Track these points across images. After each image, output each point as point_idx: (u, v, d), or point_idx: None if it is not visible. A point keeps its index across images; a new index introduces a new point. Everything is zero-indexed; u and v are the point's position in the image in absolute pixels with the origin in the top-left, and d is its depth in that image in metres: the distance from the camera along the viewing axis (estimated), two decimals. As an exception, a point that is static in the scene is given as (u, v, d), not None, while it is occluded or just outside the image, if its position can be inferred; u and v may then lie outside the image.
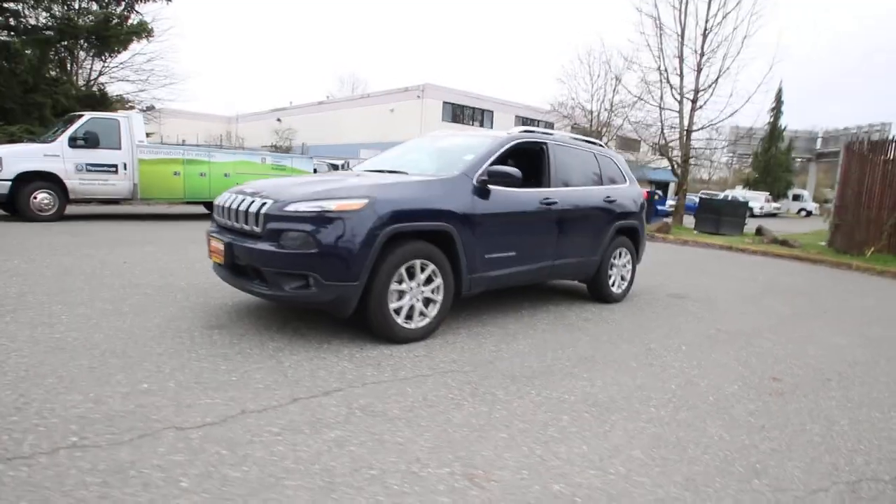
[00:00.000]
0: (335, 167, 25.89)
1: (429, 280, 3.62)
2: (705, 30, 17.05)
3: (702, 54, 17.21)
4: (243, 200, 3.48)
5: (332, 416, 2.44)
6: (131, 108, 15.95)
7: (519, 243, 4.22)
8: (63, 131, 8.85)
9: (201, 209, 12.22)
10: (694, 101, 17.59)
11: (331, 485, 1.92)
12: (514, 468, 2.13)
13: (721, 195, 32.53)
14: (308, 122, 34.79)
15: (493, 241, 3.98)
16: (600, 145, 5.62)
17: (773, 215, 36.84)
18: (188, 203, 10.88)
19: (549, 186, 4.59)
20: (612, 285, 5.34)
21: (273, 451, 2.11)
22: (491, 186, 3.96)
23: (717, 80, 17.04)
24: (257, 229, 3.32)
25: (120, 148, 9.27)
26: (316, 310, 3.93)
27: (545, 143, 4.67)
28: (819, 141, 51.91)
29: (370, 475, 2.00)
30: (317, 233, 3.17)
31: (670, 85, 17.86)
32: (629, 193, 5.49)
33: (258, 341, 3.36)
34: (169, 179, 9.97)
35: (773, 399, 3.10)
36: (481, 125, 32.40)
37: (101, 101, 14.82)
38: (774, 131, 43.63)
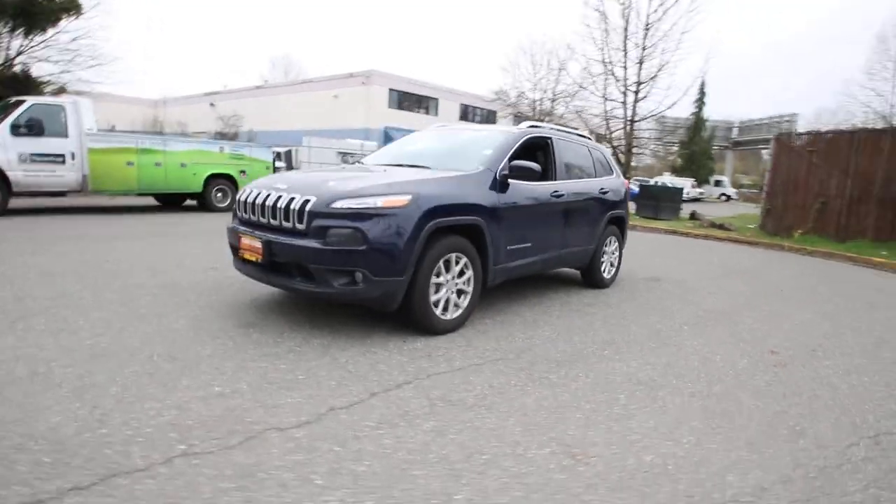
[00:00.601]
0: (278, 155, 25.03)
1: (461, 273, 3.74)
2: (647, 24, 17.95)
3: (643, 48, 18.13)
4: (279, 197, 3.43)
5: (417, 408, 2.53)
6: (61, 91, 14.63)
7: (534, 235, 4.41)
8: (2, 119, 8.07)
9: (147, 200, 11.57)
10: (636, 93, 18.54)
11: (454, 472, 2.03)
12: (603, 444, 2.32)
13: (651, 181, 34.50)
14: (245, 107, 33.26)
15: (514, 234, 4.15)
16: (588, 138, 5.90)
17: (697, 200, 39.49)
18: (140, 195, 10.26)
19: (554, 180, 4.81)
20: (604, 271, 5.68)
21: (382, 444, 2.19)
22: (510, 180, 4.12)
23: (657, 73, 18.03)
24: (301, 226, 3.30)
25: (67, 136, 8.59)
26: (354, 305, 3.94)
27: (550, 138, 4.88)
28: (735, 130, 56.05)
29: (484, 460, 2.12)
30: (365, 229, 3.20)
31: (614, 77, 18.71)
32: (617, 184, 5.83)
33: (301, 338, 3.36)
34: (122, 170, 9.35)
35: (780, 370, 3.49)
36: (427, 113, 32.36)
37: (26, 84, 13.51)
38: (698, 121, 46.49)
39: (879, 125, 35.64)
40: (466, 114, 34.37)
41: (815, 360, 3.75)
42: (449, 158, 4.27)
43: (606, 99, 19.37)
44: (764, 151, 46.71)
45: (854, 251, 10.38)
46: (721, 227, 14.77)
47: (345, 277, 3.25)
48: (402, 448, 2.17)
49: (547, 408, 2.65)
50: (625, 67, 18.32)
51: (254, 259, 3.49)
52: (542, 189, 4.51)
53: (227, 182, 11.19)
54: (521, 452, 2.21)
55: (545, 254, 4.63)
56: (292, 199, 3.36)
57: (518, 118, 31.77)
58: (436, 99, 32.30)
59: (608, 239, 5.67)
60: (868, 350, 4.10)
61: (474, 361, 3.21)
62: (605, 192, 5.48)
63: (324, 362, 3.01)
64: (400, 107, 30.60)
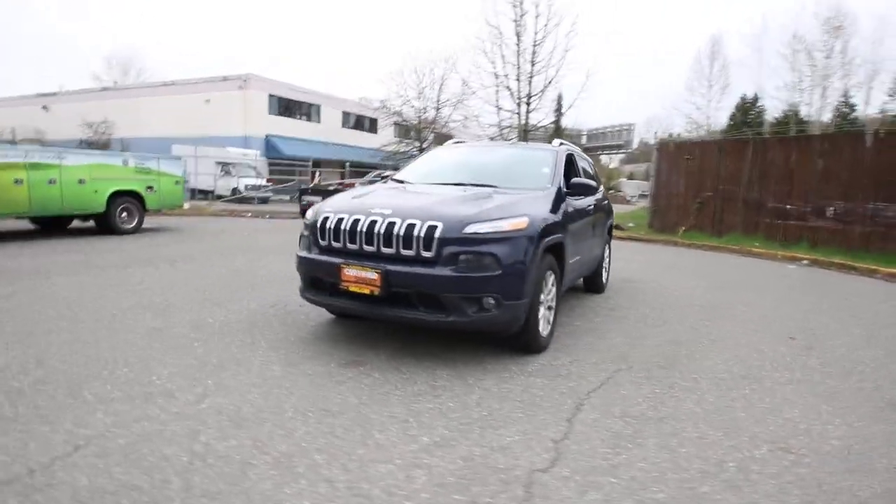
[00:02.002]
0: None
1: (549, 290, 3.82)
2: (534, 42, 19.40)
3: (532, 63, 19.56)
4: (391, 223, 3.20)
5: (621, 429, 2.59)
6: None
7: (580, 247, 4.63)
8: None
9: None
10: (528, 105, 19.92)
11: (732, 482, 2.14)
12: (789, 436, 2.60)
13: None
14: (88, 111, 28.84)
15: (573, 247, 4.33)
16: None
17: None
18: (34, 219, 8.50)
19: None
20: (603, 277, 6.11)
21: (644, 469, 2.22)
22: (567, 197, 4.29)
23: (545, 87, 19.56)
24: (428, 254, 3.13)
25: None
26: (473, 333, 3.82)
27: (573, 153, 5.14)
28: (584, 138, 62.75)
29: (735, 466, 2.27)
30: (497, 253, 3.15)
31: (508, 89, 19.91)
32: (604, 194, 6.31)
33: (425, 372, 3.18)
34: (9, 189, 7.67)
35: (814, 352, 4.12)
36: (309, 120, 31.07)
37: None
38: (558, 129, 51.03)
39: (699, 133, 42.50)
40: (349, 121, 33.71)
41: (828, 342, 4.43)
42: (507, 177, 4.30)
43: (500, 108, 20.53)
44: (603, 157, 52.79)
45: (734, 244, 12.32)
46: (618, 227, 16.49)
47: (476, 304, 3.15)
48: (669, 461, 2.23)
49: (715, 411, 2.87)
50: (518, 80, 19.56)
51: (366, 292, 3.20)
52: (583, 203, 4.76)
53: (132, 200, 9.75)
54: (750, 454, 2.39)
55: (583, 265, 4.88)
56: (411, 225, 3.16)
57: (399, 127, 32.07)
58: (318, 105, 31.15)
59: (606, 246, 6.12)
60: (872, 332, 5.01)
61: (602, 377, 3.31)
62: (605, 202, 5.91)
63: (487, 396, 2.92)
64: (281, 113, 28.96)
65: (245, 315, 4.31)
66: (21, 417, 2.41)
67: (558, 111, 51.45)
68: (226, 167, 23.33)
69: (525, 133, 20.35)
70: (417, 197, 3.72)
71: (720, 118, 50.86)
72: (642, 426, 2.62)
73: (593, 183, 4.29)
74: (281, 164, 25.40)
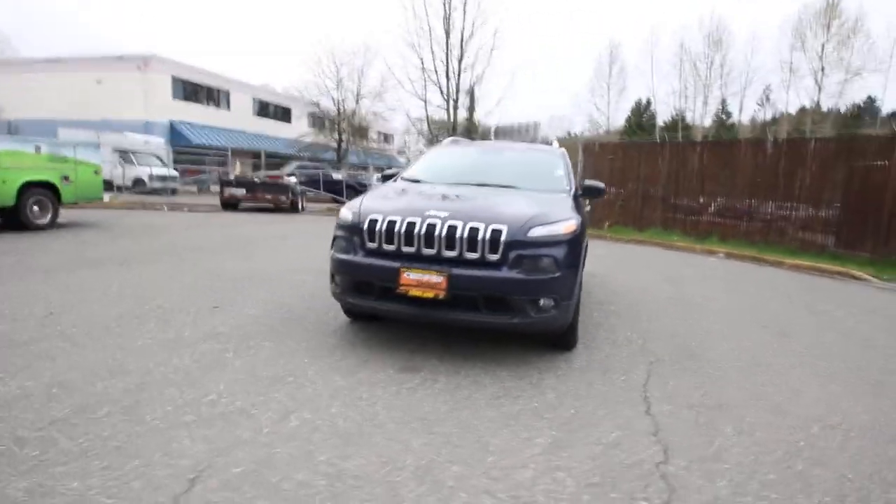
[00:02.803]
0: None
1: (577, 289, 3.99)
2: (461, 40, 19.68)
3: (460, 60, 19.83)
4: (452, 226, 3.17)
5: (695, 417, 2.81)
6: None
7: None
8: None
9: None
10: (457, 101, 20.18)
11: (816, 454, 2.43)
12: (826, 414, 2.97)
13: None
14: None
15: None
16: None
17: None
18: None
19: (577, 194, 5.32)
20: (579, 272, 6.43)
21: (744, 446, 2.44)
22: (576, 198, 4.49)
23: (475, 84, 19.92)
24: (493, 257, 3.14)
25: None
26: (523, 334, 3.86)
27: (564, 153, 5.34)
28: (492, 133, 64.83)
29: (805, 437, 2.57)
30: (557, 255, 3.24)
31: (436, 84, 20.03)
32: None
33: (491, 374, 3.22)
34: None
35: (790, 339, 4.67)
36: (218, 106, 28.99)
37: None
38: (471, 126, 52.13)
39: (600, 132, 45.54)
40: (261, 109, 31.93)
41: (800, 330, 5.08)
42: (525, 178, 4.39)
43: (427, 102, 20.63)
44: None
45: (657, 238, 13.46)
46: (545, 222, 17.29)
47: (537, 305, 3.23)
48: (754, 452, 2.46)
49: (751, 395, 3.19)
50: (447, 77, 19.75)
51: (429, 296, 3.14)
52: (583, 203, 4.98)
53: (46, 191, 8.57)
54: (809, 433, 2.71)
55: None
56: (475, 228, 3.16)
57: (316, 117, 30.99)
58: (227, 91, 29.11)
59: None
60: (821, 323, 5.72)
61: (643, 367, 3.53)
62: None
63: (556, 394, 3.00)
64: (186, 98, 26.69)
65: (254, 320, 4.03)
66: (93, 453, 2.11)
67: (471, 107, 52.96)
68: (125, 155, 21.11)
69: (454, 129, 20.62)
70: (462, 199, 3.68)
71: (618, 119, 54.99)
72: (710, 414, 2.86)
73: (602, 185, 4.52)
74: (188, 152, 23.49)
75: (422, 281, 3.15)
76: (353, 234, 3.45)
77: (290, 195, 15.77)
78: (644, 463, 2.28)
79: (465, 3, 19.08)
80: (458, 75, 19.83)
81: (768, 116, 50.30)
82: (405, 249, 3.26)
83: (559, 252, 3.26)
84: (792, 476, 2.26)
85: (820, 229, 11.85)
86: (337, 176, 24.63)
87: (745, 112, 50.89)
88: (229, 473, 2.01)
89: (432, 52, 19.39)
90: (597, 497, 2.00)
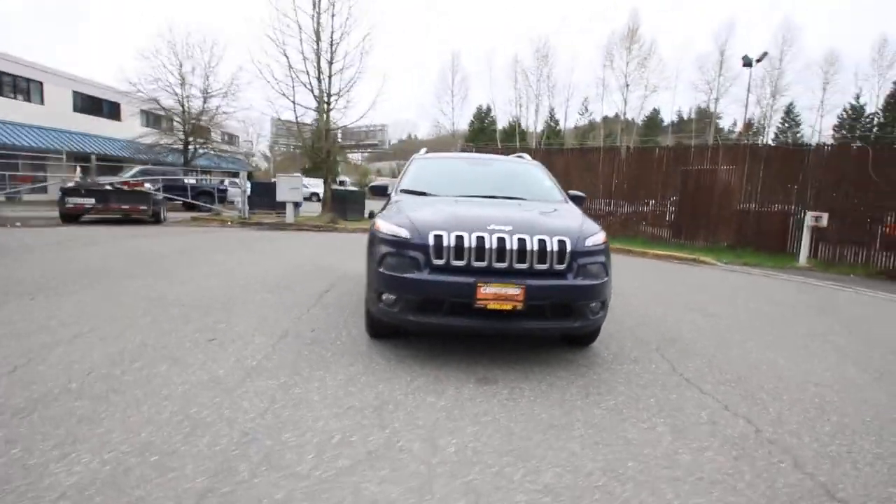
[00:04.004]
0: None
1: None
2: (331, 41, 19.17)
3: (331, 62, 19.30)
4: (523, 240, 3.31)
5: (769, 400, 3.37)
6: None
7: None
8: None
9: None
10: (328, 104, 19.60)
11: (877, 426, 3.12)
12: (834, 381, 3.75)
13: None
14: None
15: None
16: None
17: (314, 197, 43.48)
18: None
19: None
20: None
21: (838, 424, 3.03)
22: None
23: (346, 87, 19.54)
24: (560, 266, 3.36)
25: None
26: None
27: (540, 164, 5.72)
28: (339, 134, 64.02)
29: (855, 406, 3.28)
30: (605, 261, 3.59)
31: (305, 86, 19.20)
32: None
33: (551, 378, 3.43)
34: None
35: (730, 322, 5.68)
36: (28, 100, 23.97)
37: None
38: (328, 129, 50.66)
39: (441, 134, 48.20)
40: (83, 104, 27.24)
41: (720, 312, 6.14)
42: (525, 189, 4.68)
43: (296, 104, 19.71)
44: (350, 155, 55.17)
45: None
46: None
47: (591, 309, 3.53)
48: (841, 425, 3.07)
49: (789, 375, 3.90)
50: (318, 78, 19.08)
51: (507, 308, 3.24)
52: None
53: None
54: (849, 403, 3.44)
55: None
56: (542, 240, 3.34)
57: (151, 115, 27.51)
58: (39, 82, 24.19)
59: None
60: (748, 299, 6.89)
61: (675, 357, 4.01)
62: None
63: (623, 394, 3.33)
64: (-18, 88, 21.61)
65: (284, 349, 3.69)
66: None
67: (328, 106, 51.44)
68: None
69: (326, 133, 20.00)
70: (502, 211, 3.81)
71: (462, 124, 58.30)
72: (775, 398, 3.31)
73: (584, 195, 5.00)
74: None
75: (500, 294, 3.25)
76: (412, 250, 3.39)
77: (151, 204, 13.89)
78: (748, 435, 2.72)
79: (333, 4, 18.62)
80: (330, 78, 19.27)
81: (588, 123, 58.04)
82: (476, 264, 3.32)
83: (604, 258, 3.61)
84: (890, 439, 2.87)
85: (666, 224, 14.18)
86: (190, 181, 22.26)
87: (570, 120, 57.90)
88: (454, 508, 1.95)
89: (301, 53, 18.54)
90: (752, 486, 2.37)
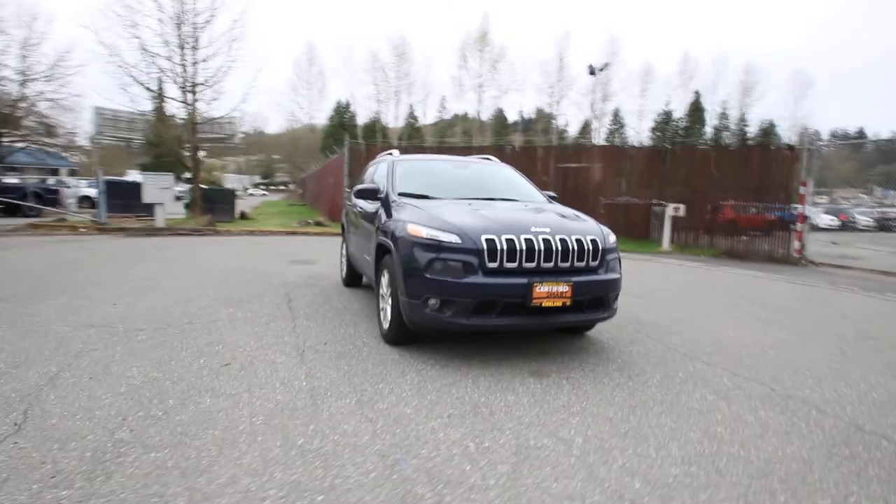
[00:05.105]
0: None
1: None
2: (194, 25, 17.33)
3: (194, 48, 17.46)
4: (564, 240, 3.56)
5: (795, 388, 4.03)
6: None
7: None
8: None
9: None
10: (194, 94, 17.72)
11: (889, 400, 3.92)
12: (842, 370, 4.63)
13: (127, 178, 31.42)
14: None
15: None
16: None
17: (179, 198, 39.35)
18: None
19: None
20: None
21: (865, 403, 3.74)
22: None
23: (214, 77, 17.83)
24: (594, 263, 3.68)
25: None
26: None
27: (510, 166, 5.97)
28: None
29: (868, 384, 4.08)
30: (620, 257, 4.02)
31: (162, 72, 17.16)
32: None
33: (591, 371, 3.76)
34: None
35: (700, 312, 6.55)
36: None
37: None
38: (194, 123, 45.35)
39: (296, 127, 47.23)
40: None
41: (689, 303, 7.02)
42: (513, 191, 4.92)
43: (153, 92, 17.55)
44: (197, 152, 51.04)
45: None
46: (319, 224, 17.08)
47: (614, 300, 3.93)
48: (865, 401, 3.80)
49: (812, 365, 4.64)
50: (183, 66, 17.16)
51: (559, 304, 3.47)
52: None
53: None
54: (862, 384, 4.25)
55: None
56: (579, 240, 3.63)
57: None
58: None
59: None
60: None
61: (686, 343, 4.53)
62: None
63: (658, 379, 3.78)
64: None
65: (317, 366, 3.46)
66: None
67: (158, 101, 45.87)
68: None
69: (194, 127, 18.05)
70: (537, 214, 4.04)
71: (321, 118, 56.76)
72: (756, 362, 4.00)
73: (556, 195, 5.39)
74: None
75: (552, 292, 3.47)
76: (464, 255, 3.44)
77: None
78: (770, 395, 3.31)
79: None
80: (195, 65, 17.36)
81: (446, 121, 60.35)
82: (526, 265, 3.49)
83: (618, 254, 4.03)
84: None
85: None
86: (14, 181, 18.48)
87: (429, 117, 59.61)
88: None
89: (162, 37, 16.43)
90: (795, 418, 2.93)
